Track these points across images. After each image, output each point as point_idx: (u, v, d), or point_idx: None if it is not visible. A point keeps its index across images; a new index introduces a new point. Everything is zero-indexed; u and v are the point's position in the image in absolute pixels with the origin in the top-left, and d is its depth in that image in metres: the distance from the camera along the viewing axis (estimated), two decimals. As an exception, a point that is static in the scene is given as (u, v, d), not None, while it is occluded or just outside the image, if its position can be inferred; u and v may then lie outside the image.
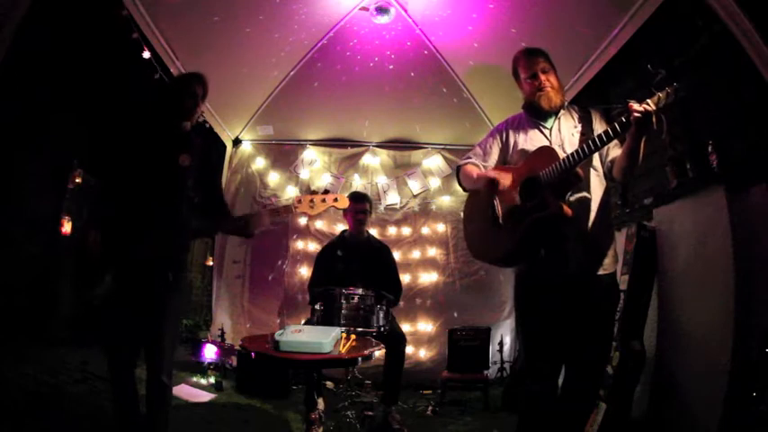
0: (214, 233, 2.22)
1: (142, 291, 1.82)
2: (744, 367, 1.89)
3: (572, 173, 1.64)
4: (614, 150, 1.75)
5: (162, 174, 1.91)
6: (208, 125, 3.94)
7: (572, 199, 1.70)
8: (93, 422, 2.32)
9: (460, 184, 2.03)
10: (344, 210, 3.10)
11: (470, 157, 1.98)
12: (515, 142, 1.89)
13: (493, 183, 1.75)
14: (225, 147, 4.34)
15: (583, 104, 1.93)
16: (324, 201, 2.03)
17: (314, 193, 2.06)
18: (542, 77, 1.83)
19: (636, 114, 1.47)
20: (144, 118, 2.06)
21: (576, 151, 1.63)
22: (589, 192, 1.74)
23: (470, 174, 1.91)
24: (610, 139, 1.61)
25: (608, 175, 1.78)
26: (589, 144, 1.60)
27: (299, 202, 2.02)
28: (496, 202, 1.80)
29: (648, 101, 1.47)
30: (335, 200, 2.04)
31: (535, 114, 1.88)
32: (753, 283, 1.97)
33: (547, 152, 1.71)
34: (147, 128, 2.00)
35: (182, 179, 1.94)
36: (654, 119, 1.46)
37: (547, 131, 1.84)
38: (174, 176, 1.93)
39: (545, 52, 1.88)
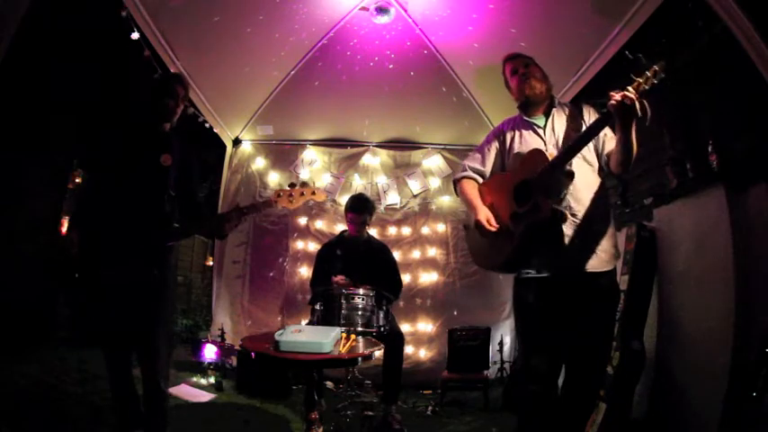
0: (188, 236, 2.21)
1: (127, 290, 1.83)
2: (744, 367, 1.89)
3: (562, 172, 1.64)
4: (610, 143, 1.74)
5: (143, 173, 1.93)
6: (208, 125, 3.94)
7: (566, 197, 1.70)
8: (93, 422, 2.32)
9: (457, 194, 2.04)
10: (346, 216, 3.15)
11: (466, 169, 1.99)
12: (511, 146, 1.90)
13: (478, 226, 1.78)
14: (224, 147, 4.35)
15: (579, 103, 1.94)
16: (302, 194, 2.06)
17: (292, 186, 2.09)
18: (523, 70, 1.89)
19: (613, 103, 1.47)
20: (126, 118, 2.09)
21: (563, 150, 1.63)
22: (584, 188, 1.73)
23: (465, 197, 1.93)
24: (591, 135, 1.61)
25: (606, 169, 1.77)
26: (574, 141, 1.60)
27: (278, 196, 2.05)
28: (494, 210, 1.81)
29: (629, 87, 1.45)
30: (313, 193, 2.08)
31: (527, 111, 1.90)
32: (753, 283, 1.97)
33: (536, 155, 1.71)
34: (129, 128, 2.03)
35: (163, 179, 1.96)
36: (637, 105, 1.45)
37: (541, 131, 1.85)
38: (154, 176, 1.95)
39: (529, 56, 1.95)
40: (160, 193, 1.95)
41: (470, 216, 1.90)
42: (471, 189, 1.93)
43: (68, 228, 1.93)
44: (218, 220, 1.99)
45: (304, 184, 2.10)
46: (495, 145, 1.96)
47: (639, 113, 1.46)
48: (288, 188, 2.07)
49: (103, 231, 1.85)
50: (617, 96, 1.46)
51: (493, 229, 1.74)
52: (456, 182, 2.02)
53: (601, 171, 1.78)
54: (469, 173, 1.97)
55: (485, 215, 1.78)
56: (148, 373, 1.86)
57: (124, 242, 1.82)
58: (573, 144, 1.63)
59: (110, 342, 1.89)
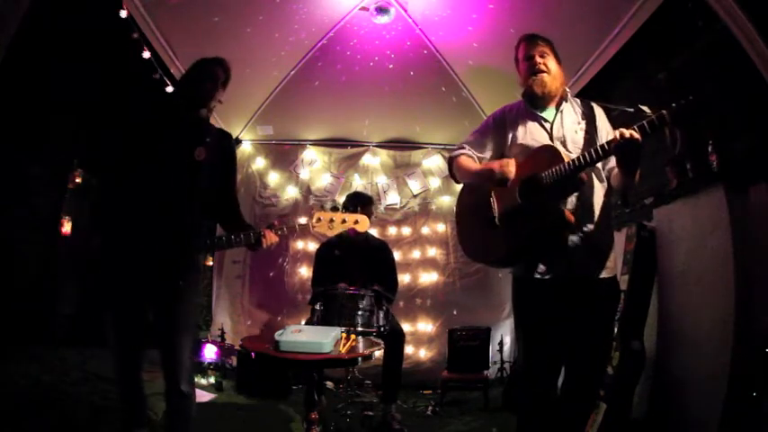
0: (228, 247, 1.85)
1: (151, 296, 1.72)
2: (744, 367, 1.89)
3: (576, 177, 1.58)
4: (613, 159, 1.67)
5: (173, 168, 1.69)
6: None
7: (574, 202, 1.65)
8: (93, 422, 2.32)
9: (453, 176, 1.94)
10: (345, 210, 3.12)
11: (464, 147, 1.87)
12: (514, 135, 1.79)
13: (502, 178, 1.65)
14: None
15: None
16: (344, 221, 1.89)
17: (334, 210, 1.95)
18: (538, 60, 1.74)
19: (618, 141, 1.43)
20: (155, 104, 1.88)
21: (582, 156, 1.56)
22: (592, 194, 1.68)
23: (468, 167, 1.80)
24: (605, 156, 1.56)
25: (608, 182, 1.73)
26: (593, 153, 1.55)
27: (318, 221, 1.87)
28: (493, 201, 1.74)
29: (635, 127, 1.41)
30: (356, 222, 1.90)
31: (532, 103, 1.79)
32: (753, 283, 1.97)
33: (550, 152, 1.63)
34: (159, 115, 1.78)
35: (196, 175, 1.71)
36: (667, 131, 1.43)
37: (547, 125, 1.76)
38: (187, 171, 1.71)
39: (548, 39, 1.80)
40: (191, 192, 1.70)
41: (465, 198, 1.78)
42: (472, 162, 1.81)
43: (88, 233, 1.76)
44: (257, 236, 1.78)
45: (350, 210, 1.95)
46: (494, 132, 1.85)
47: (669, 140, 1.44)
48: (329, 212, 1.90)
49: (125, 237, 1.65)
50: (625, 135, 1.43)
51: (512, 179, 1.64)
52: (453, 159, 1.87)
53: (606, 180, 1.73)
54: (468, 151, 1.86)
55: (502, 164, 1.65)
56: (171, 380, 1.74)
57: (146, 248, 1.63)
58: (592, 155, 1.55)
59: (125, 343, 1.77)
